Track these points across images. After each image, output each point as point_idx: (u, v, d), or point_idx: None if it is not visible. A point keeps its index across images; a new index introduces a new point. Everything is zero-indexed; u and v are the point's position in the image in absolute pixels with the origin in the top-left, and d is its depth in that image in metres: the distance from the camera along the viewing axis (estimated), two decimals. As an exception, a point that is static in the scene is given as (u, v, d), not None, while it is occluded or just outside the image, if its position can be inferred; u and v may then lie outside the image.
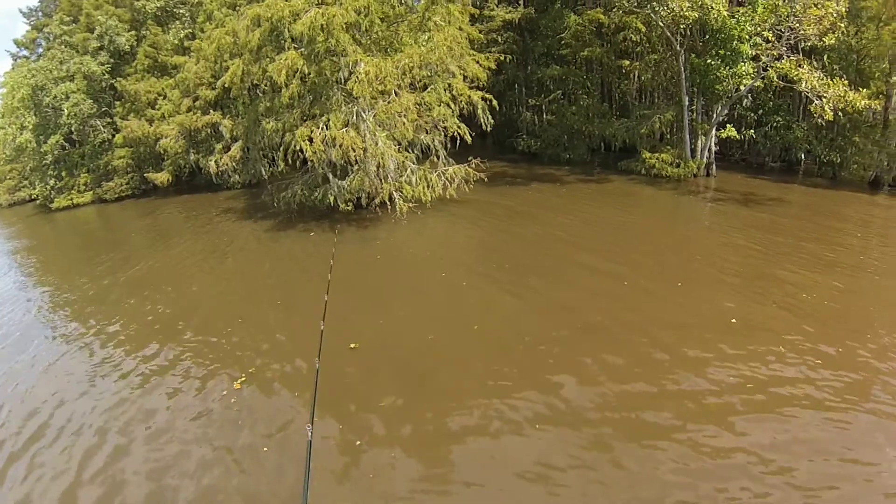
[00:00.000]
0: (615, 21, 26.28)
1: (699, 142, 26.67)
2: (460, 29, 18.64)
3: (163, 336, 10.98)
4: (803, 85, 22.90)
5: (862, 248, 15.27)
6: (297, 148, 16.87)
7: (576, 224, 17.17)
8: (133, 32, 36.05)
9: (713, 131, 26.86)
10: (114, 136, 35.59)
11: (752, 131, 29.28)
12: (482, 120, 18.40)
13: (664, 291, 11.12)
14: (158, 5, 35.64)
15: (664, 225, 18.74)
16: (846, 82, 23.01)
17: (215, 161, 27.55)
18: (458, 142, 18.40)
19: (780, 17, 23.25)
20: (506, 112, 33.26)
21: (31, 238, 29.19)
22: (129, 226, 27.94)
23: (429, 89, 17.44)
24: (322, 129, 16.67)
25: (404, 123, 16.54)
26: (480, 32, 29.30)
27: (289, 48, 17.29)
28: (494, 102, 18.53)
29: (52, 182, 37.83)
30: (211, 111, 29.96)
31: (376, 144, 16.27)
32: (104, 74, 35.88)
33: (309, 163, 17.39)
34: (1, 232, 35.02)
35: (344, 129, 16.25)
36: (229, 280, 14.83)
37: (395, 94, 16.67)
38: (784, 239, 15.51)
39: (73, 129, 35.87)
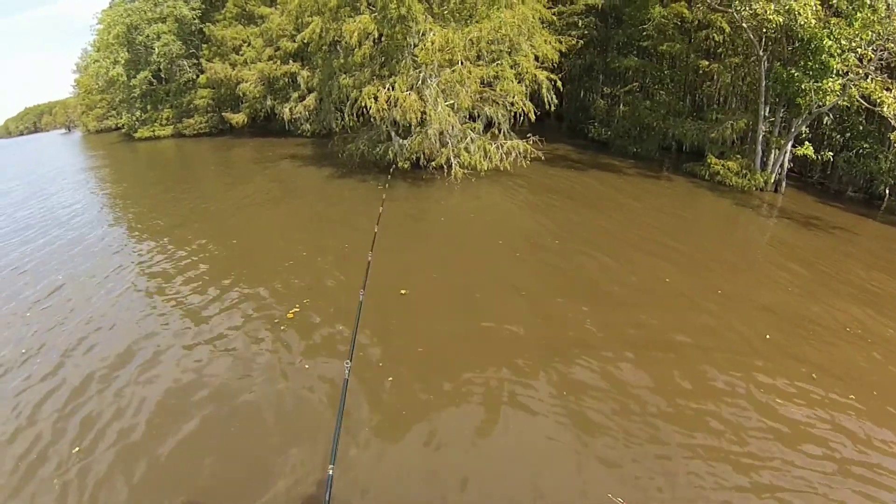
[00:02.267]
0: (699, 17, 25.55)
1: (772, 155, 25.75)
2: (533, 9, 18.76)
3: (224, 266, 11.95)
4: (885, 109, 21.83)
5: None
6: (363, 105, 17.60)
7: (620, 215, 17.26)
8: (226, -20, 37.62)
9: (788, 146, 25.82)
10: (198, 76, 37.58)
11: (831, 153, 27.99)
12: (546, 99, 18.59)
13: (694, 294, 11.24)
14: (252, -44, 36.97)
15: (707, 229, 18.49)
16: (935, 112, 21.73)
17: (290, 108, 28.85)
18: (528, 120, 18.60)
19: (877, 34, 22.05)
20: (582, 98, 33.09)
21: (113, 167, 31.30)
22: (205, 160, 29.66)
23: (494, 63, 17.70)
24: (388, 89, 17.29)
25: (466, 93, 16.97)
26: (562, 15, 29.34)
27: (363, 11, 17.93)
28: (559, 83, 18.71)
29: (137, 114, 40.39)
30: (290, 61, 31.12)
31: (436, 110, 16.74)
32: (194, 19, 37.75)
33: (373, 119, 18.07)
34: (89, 155, 37.78)
35: (407, 92, 16.81)
36: (286, 219, 15.93)
37: (461, 65, 17.03)
38: (834, 271, 15.05)
39: (161, 67, 38.10)
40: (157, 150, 35.89)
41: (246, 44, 35.32)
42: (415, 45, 17.40)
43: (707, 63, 25.74)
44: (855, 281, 13.71)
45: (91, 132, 54.63)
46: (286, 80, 31.70)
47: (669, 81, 28.46)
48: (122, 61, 39.24)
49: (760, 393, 7.15)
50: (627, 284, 11.19)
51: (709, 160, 24.59)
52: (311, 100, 23.33)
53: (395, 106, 16.93)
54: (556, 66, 20.70)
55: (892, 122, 21.86)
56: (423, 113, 17.00)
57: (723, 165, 24.28)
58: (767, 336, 8.86)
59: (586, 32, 29.05)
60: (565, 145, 28.03)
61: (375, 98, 17.23)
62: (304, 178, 21.49)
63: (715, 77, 26.65)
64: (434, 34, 17.00)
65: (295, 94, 30.36)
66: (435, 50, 16.66)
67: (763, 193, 25.12)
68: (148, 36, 37.34)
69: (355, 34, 17.39)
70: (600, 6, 29.15)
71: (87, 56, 53.83)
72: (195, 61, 38.82)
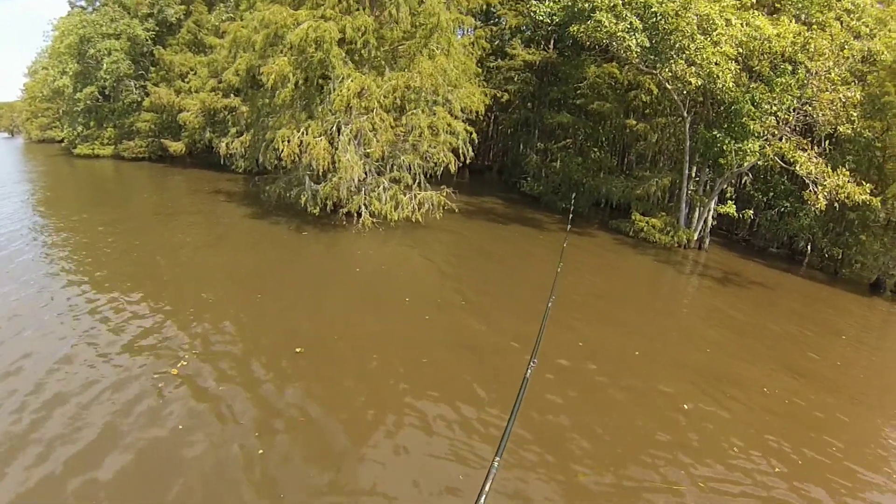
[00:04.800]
0: (629, 78, 26.42)
1: (696, 213, 26.43)
2: (457, 62, 19.11)
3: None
4: (798, 168, 22.64)
5: (841, 356, 14.74)
6: (276, 147, 17.53)
7: (534, 273, 17.33)
8: (182, 6, 37.53)
9: (711, 204, 26.61)
10: (143, 99, 37.03)
11: (751, 212, 28.93)
12: (462, 150, 18.81)
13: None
14: (210, -15, 37.11)
15: (626, 288, 18.65)
16: (847, 173, 22.55)
17: (227, 143, 28.48)
18: (466, 171, 18.82)
19: (795, 97, 22.97)
20: (517, 152, 33.69)
21: (48, 184, 30.43)
22: (140, 187, 29.08)
23: (408, 113, 17.86)
24: (301, 133, 17.25)
25: (378, 141, 17.03)
26: (500, 69, 30.10)
27: (285, 54, 17.99)
28: (474, 135, 18.98)
29: (79, 129, 39.54)
30: (232, 95, 30.97)
31: (345, 157, 16.73)
32: (147, 40, 37.43)
33: (284, 163, 18.00)
34: (27, 166, 36.75)
35: (318, 138, 16.78)
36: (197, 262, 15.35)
37: (374, 113, 17.13)
38: (750, 327, 15.44)
39: (107, 84, 37.42)
40: (94, 169, 35.01)
41: (192, 72, 35.13)
42: (332, 91, 17.49)
43: (635, 122, 26.55)
44: (768, 337, 14.47)
45: (33, 140, 53.16)
46: (226, 113, 31.50)
47: (602, 139, 29.26)
48: (71, 73, 38.49)
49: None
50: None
51: (634, 217, 25.10)
52: (247, 137, 23.12)
53: (306, 151, 16.88)
54: (491, 119, 21.06)
55: (807, 181, 22.76)
56: (333, 160, 16.96)
57: (647, 222, 24.81)
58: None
59: (523, 87, 29.73)
60: (495, 198, 28.36)
61: (288, 141, 17.19)
62: (225, 215, 21.03)
63: (644, 136, 27.50)
64: (351, 80, 17.13)
65: (233, 130, 30.12)
66: (350, 96, 16.77)
67: (687, 250, 25.69)
68: (99, 50, 36.75)
69: (272, 76, 17.44)
70: (538, 63, 29.91)
71: (38, 61, 52.92)
72: (142, 83, 38.36)
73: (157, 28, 37.93)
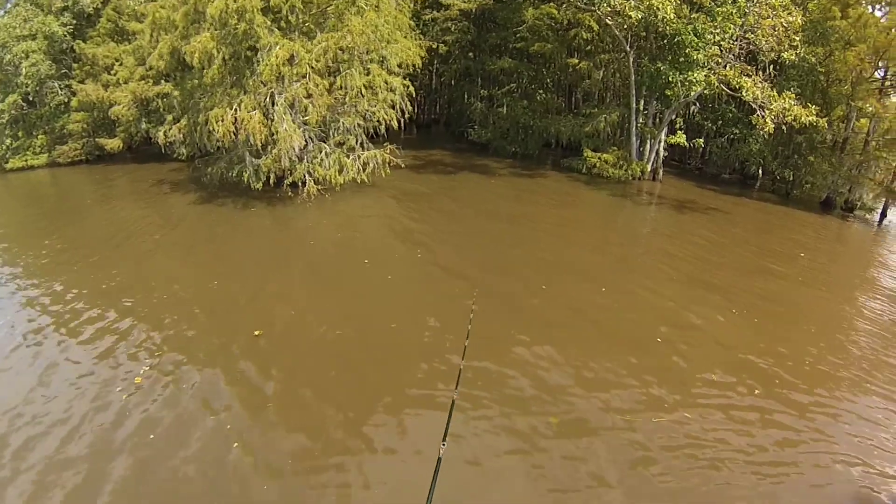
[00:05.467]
0: (568, 17, 26.02)
1: (647, 146, 26.54)
2: (388, 16, 18.46)
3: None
4: (744, 93, 22.84)
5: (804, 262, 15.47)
6: (211, 128, 16.78)
7: (481, 217, 17.25)
8: (99, -7, 35.42)
9: (661, 136, 26.73)
10: (70, 99, 35.16)
11: (701, 140, 29.19)
12: (400, 106, 18.38)
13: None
14: (125, -33, 35.00)
15: (576, 219, 18.71)
16: (793, 95, 22.86)
17: (164, 132, 27.33)
18: (414, 127, 18.49)
19: (737, 26, 23.01)
20: (462, 102, 33.21)
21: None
22: (81, 193, 27.68)
23: (342, 73, 17.24)
24: (234, 110, 16.53)
25: (314, 107, 16.44)
26: (436, 21, 29.31)
27: (208, 29, 17.07)
28: (412, 90, 18.59)
29: (8, 142, 37.37)
30: (163, 81, 29.57)
31: (282, 128, 16.12)
32: (66, 36, 35.32)
33: (221, 142, 17.27)
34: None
35: (252, 112, 16.10)
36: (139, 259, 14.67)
37: (307, 78, 16.48)
38: (701, 251, 15.65)
39: (30, 89, 35.35)
40: (30, 182, 33.34)
41: (118, 63, 33.39)
42: (261, 62, 16.73)
43: (577, 61, 26.29)
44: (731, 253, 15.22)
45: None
46: (159, 101, 30.10)
47: (547, 81, 28.98)
48: (-12, 83, 36.24)
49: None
50: (505, 294, 11.14)
51: (585, 154, 25.10)
52: (184, 122, 22.14)
53: (241, 127, 16.19)
54: (433, 72, 20.59)
55: (753, 105, 22.98)
56: (271, 132, 16.33)
57: (599, 158, 24.82)
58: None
59: (461, 37, 29.09)
60: (444, 150, 28.02)
61: (222, 120, 16.45)
62: (172, 205, 20.12)
63: (589, 74, 27.28)
64: (279, 48, 16.39)
65: (169, 117, 28.79)
66: (279, 65, 16.07)
67: (642, 182, 25.93)
68: (16, 55, 34.59)
69: (196, 55, 16.54)
70: (474, 11, 29.23)
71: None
72: (67, 82, 36.34)
73: (75, 21, 35.76)
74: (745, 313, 11.09)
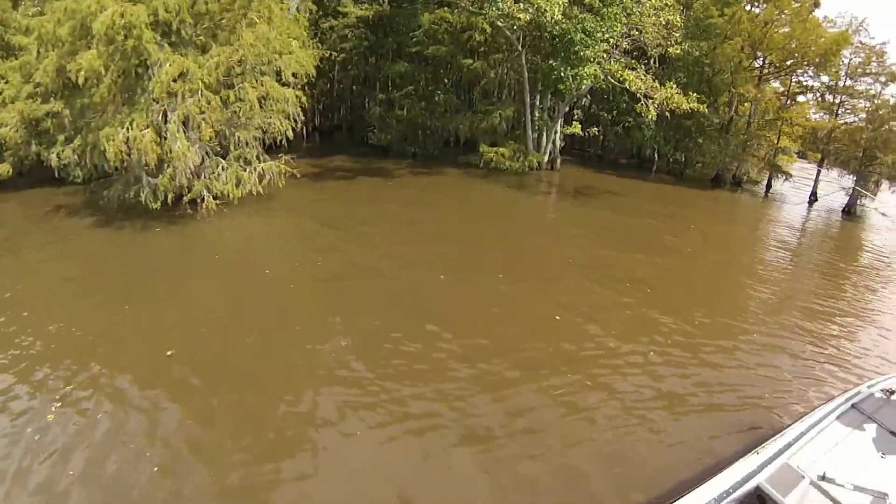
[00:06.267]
0: (462, 21, 27.03)
1: (544, 137, 27.99)
2: (280, 27, 18.75)
3: None
4: (628, 85, 24.67)
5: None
6: (101, 149, 16.51)
7: (377, 218, 17.99)
8: (-18, 6, 33.22)
9: (557, 127, 28.28)
10: (-50, 121, 32.88)
11: (596, 129, 31.09)
12: (290, 114, 18.85)
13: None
14: (7, -24, 32.99)
15: (470, 213, 19.67)
16: (673, 86, 24.84)
17: (57, 153, 26.24)
18: (316, 135, 18.80)
19: (623, 25, 24.78)
20: (361, 107, 33.71)
21: None
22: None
23: (236, 87, 17.41)
24: (126, 129, 16.34)
25: (207, 122, 16.56)
26: (333, 28, 29.60)
27: (95, 46, 16.76)
28: (304, 98, 19.02)
29: None
30: (52, 99, 28.27)
31: (175, 146, 16.13)
32: (-55, 51, 32.99)
33: (110, 163, 17.04)
34: None
35: (144, 131, 16.01)
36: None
37: (200, 94, 16.54)
38: (593, 232, 17.03)
39: None
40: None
41: (3, 80, 31.55)
42: (151, 79, 16.61)
43: (472, 62, 27.37)
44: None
45: None
46: (49, 120, 28.76)
47: (445, 82, 29.94)
48: None
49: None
50: (408, 291, 11.95)
51: (481, 149, 26.16)
52: (77, 142, 21.41)
53: (134, 147, 16.06)
54: (334, 79, 20.99)
55: (638, 95, 24.89)
56: (165, 150, 16.29)
57: (496, 152, 25.92)
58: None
59: (358, 43, 29.55)
60: (344, 156, 28.48)
61: (112, 140, 16.22)
62: (68, 231, 19.37)
63: (484, 74, 28.43)
64: (170, 65, 16.33)
65: (61, 137, 27.58)
66: (168, 82, 16.04)
67: (540, 172, 27.40)
68: None
69: (81, 73, 16.25)
70: (371, 17, 29.74)
71: None
72: (-56, 102, 33.89)
73: (-45, 35, 33.42)
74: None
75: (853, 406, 6.85)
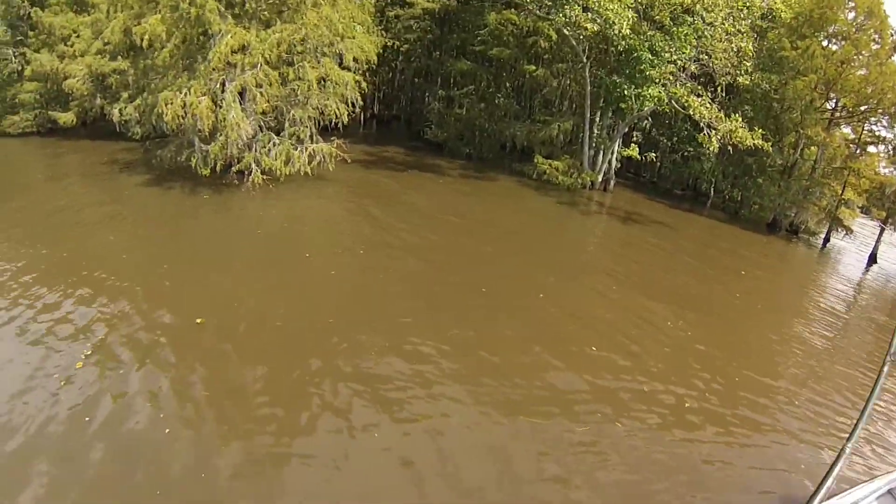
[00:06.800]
0: (528, 25, 26.57)
1: (600, 156, 27.28)
2: (344, 10, 18.75)
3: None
4: (691, 111, 23.76)
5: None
6: (159, 110, 16.76)
7: (423, 220, 17.69)
8: (60, -39, 34.48)
9: (615, 147, 27.51)
10: (23, 68, 34.22)
11: (654, 154, 30.17)
12: (349, 99, 18.75)
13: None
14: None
15: (516, 224, 19.22)
16: (739, 118, 23.77)
17: (119, 109, 26.98)
18: (374, 122, 18.76)
19: (693, 47, 23.87)
20: (421, 101, 33.55)
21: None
22: (32, 168, 27.04)
23: (296, 66, 17.44)
24: (185, 94, 16.55)
25: (263, 96, 16.63)
26: (399, 18, 29.55)
27: (161, 10, 17.04)
28: (364, 84, 18.98)
29: (-43, 108, 36.15)
30: (119, 57, 29.05)
31: (229, 115, 16.25)
32: (23, 1, 34.35)
33: (167, 126, 17.28)
34: None
35: (200, 98, 16.17)
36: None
37: (259, 68, 16.63)
38: (637, 265, 16.36)
39: (-17, 54, 34.30)
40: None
41: (76, 34, 32.63)
42: (212, 48, 16.78)
43: (535, 68, 26.85)
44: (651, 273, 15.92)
45: None
46: (116, 77, 29.56)
47: (506, 85, 29.50)
48: (-60, 45, 34.90)
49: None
50: (448, 296, 11.60)
51: (536, 160, 25.62)
52: (140, 101, 21.90)
53: (190, 112, 16.25)
54: (396, 69, 20.97)
55: (701, 124, 23.94)
56: (219, 119, 16.43)
57: (549, 164, 25.34)
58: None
59: (423, 36, 29.40)
60: (399, 147, 28.31)
61: (171, 103, 16.45)
62: (122, 187, 19.80)
63: (546, 82, 27.89)
64: (231, 36, 16.47)
65: (125, 94, 28.33)
66: (227, 53, 16.18)
67: (592, 191, 26.64)
68: (-30, 18, 33.50)
69: (146, 37, 16.57)
70: (437, 11, 29.54)
71: None
72: (22, 51, 35.31)
73: (34, -13, 34.77)
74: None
75: (889, 491, 6.48)
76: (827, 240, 31.19)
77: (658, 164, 32.84)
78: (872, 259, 29.89)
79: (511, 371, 9.03)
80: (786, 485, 7.46)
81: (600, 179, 27.08)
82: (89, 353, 8.22)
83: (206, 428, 6.94)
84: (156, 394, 7.44)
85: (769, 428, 8.81)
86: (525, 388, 8.63)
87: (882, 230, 30.32)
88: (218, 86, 16.79)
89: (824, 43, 28.07)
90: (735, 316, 13.87)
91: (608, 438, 7.73)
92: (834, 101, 29.27)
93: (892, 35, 27.06)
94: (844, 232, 31.10)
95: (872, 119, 29.58)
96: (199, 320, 9.37)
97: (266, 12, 18.14)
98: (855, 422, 3.66)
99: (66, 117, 31.65)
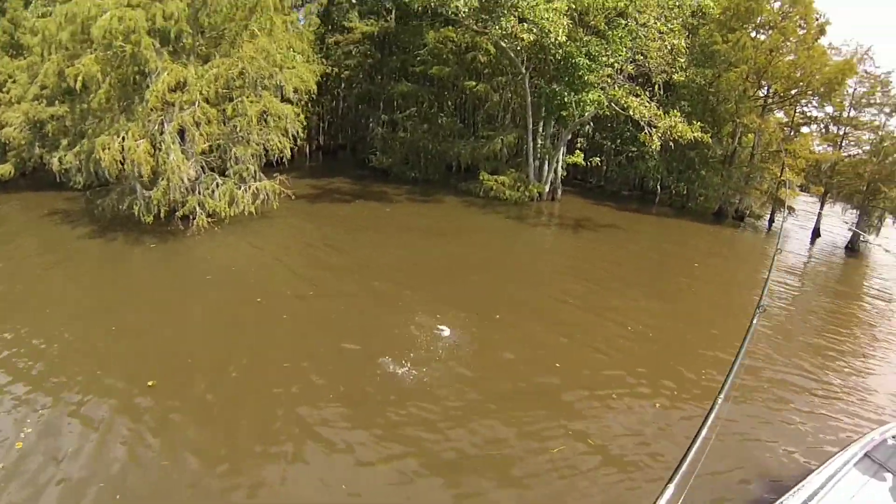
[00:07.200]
0: (466, 41, 26.99)
1: (545, 166, 27.70)
2: (280, 41, 18.73)
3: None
4: (631, 112, 24.40)
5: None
6: (97, 157, 16.41)
7: (372, 250, 17.71)
8: (-6, 4, 33.44)
9: (559, 156, 28.01)
10: (-44, 117, 32.97)
11: (598, 159, 30.82)
12: (289, 132, 18.75)
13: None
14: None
15: (464, 252, 19.26)
16: (678, 114, 24.50)
17: (59, 158, 26.25)
18: (320, 155, 18.64)
19: (628, 49, 24.58)
20: (364, 127, 33.61)
21: None
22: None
23: (234, 102, 17.35)
24: (122, 138, 16.27)
25: (202, 135, 16.48)
26: (338, 44, 29.66)
27: (94, 50, 16.77)
28: (301, 117, 18.98)
29: None
30: (57, 102, 28.33)
31: (169, 158, 16.03)
32: (-45, 47, 33.19)
33: (106, 172, 16.91)
34: None
35: (139, 142, 15.93)
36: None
37: (197, 106, 16.49)
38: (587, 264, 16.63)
39: (-88, 106, 32.89)
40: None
41: (11, 79, 31.68)
42: (148, 87, 16.57)
43: (474, 84, 27.22)
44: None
45: None
46: (54, 123, 28.80)
47: (448, 104, 29.78)
48: None
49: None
50: (401, 336, 11.43)
51: (482, 176, 25.74)
52: (79, 148, 21.39)
53: (128, 157, 15.96)
54: (339, 97, 20.97)
55: (642, 123, 24.58)
56: (159, 162, 16.20)
57: (495, 180, 25.45)
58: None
59: (363, 60, 29.54)
60: (345, 177, 28.24)
61: (108, 148, 16.14)
62: (62, 239, 19.13)
63: (487, 97, 28.30)
64: (167, 73, 16.30)
65: (64, 141, 27.60)
66: (164, 91, 16.00)
67: (540, 203, 26.92)
68: None
69: (80, 78, 16.25)
70: (377, 34, 29.76)
71: None
72: (-43, 98, 34.00)
73: (-33, 31, 33.61)
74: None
75: (867, 455, 6.75)
76: (772, 221, 32.55)
77: (604, 167, 33.56)
78: (816, 233, 31.34)
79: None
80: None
81: (547, 190, 27.52)
82: (30, 430, 7.68)
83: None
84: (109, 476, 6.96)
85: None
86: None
87: (822, 205, 31.75)
88: (157, 127, 16.55)
89: (753, 34, 29.36)
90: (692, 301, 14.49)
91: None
92: (766, 88, 30.63)
93: (817, 19, 28.39)
94: (787, 212, 32.38)
95: (803, 101, 31.07)
96: (150, 383, 8.94)
97: (204, 47, 18.05)
98: (725, 376, 3.90)
99: (4, 168, 30.53)
